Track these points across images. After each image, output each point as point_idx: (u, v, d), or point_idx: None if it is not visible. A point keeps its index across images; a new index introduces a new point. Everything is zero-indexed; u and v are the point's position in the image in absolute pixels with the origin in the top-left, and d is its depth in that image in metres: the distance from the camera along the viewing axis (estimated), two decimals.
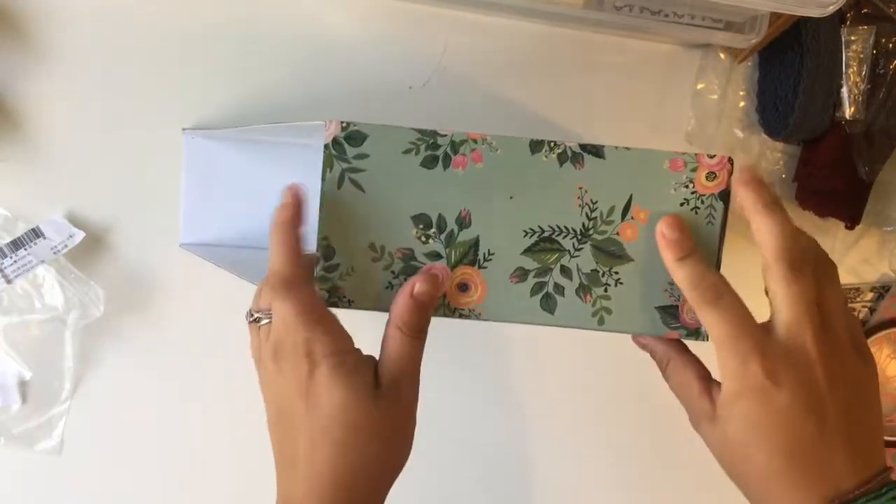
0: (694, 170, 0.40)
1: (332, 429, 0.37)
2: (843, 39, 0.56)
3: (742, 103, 0.61)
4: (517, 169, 0.39)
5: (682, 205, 0.40)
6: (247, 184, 0.54)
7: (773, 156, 0.62)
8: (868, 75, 0.56)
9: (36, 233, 0.53)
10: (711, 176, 0.40)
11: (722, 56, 0.59)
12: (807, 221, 0.62)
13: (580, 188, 0.40)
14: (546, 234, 0.40)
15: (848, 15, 0.56)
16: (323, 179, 0.39)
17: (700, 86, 0.59)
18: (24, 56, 0.52)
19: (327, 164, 0.39)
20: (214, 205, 0.54)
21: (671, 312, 0.41)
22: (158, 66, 0.54)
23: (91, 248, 0.55)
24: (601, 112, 0.59)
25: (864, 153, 0.58)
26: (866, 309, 0.65)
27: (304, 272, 0.40)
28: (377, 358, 0.40)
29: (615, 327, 0.41)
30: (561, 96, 0.59)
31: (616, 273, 0.40)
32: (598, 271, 0.40)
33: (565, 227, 0.40)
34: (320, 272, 0.40)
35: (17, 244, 0.52)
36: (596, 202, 0.40)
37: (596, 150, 0.40)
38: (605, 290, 0.41)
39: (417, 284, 0.39)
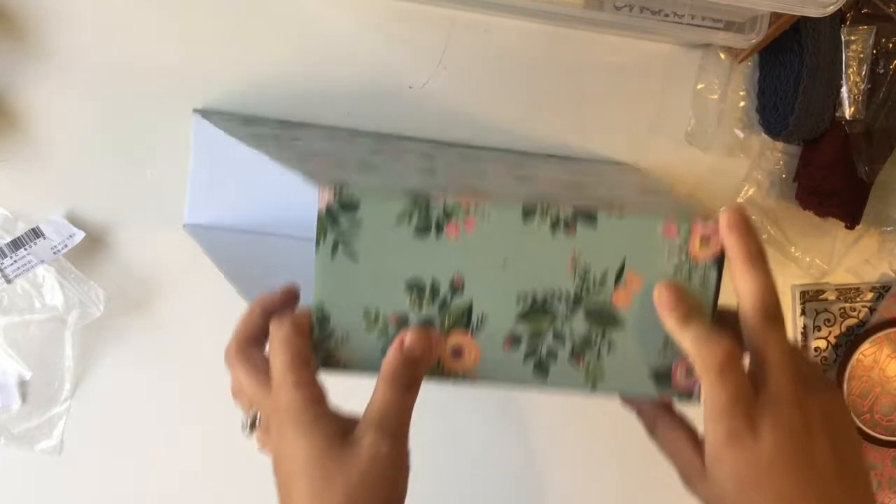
0: (688, 236, 0.40)
1: (297, 482, 0.37)
2: (843, 39, 0.56)
3: (742, 103, 0.61)
4: (510, 236, 0.39)
5: (675, 271, 0.40)
6: (253, 169, 0.53)
7: (773, 156, 0.62)
8: (868, 75, 0.56)
9: (36, 233, 0.53)
10: (705, 241, 0.40)
11: (722, 56, 0.59)
12: (807, 221, 0.62)
13: (573, 254, 0.40)
14: (539, 300, 0.40)
15: (848, 15, 0.56)
16: (317, 248, 0.39)
17: (700, 86, 0.59)
18: (24, 56, 0.52)
19: (321, 233, 0.39)
20: (220, 187, 0.54)
21: (664, 376, 0.41)
22: (158, 66, 0.54)
23: (91, 248, 0.55)
24: (601, 112, 0.59)
25: (864, 153, 0.58)
26: (866, 309, 0.65)
27: (255, 347, 0.41)
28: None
29: (608, 390, 0.41)
30: (561, 96, 0.59)
31: (609, 338, 0.41)
32: (590, 336, 0.40)
33: (558, 293, 0.40)
34: (316, 338, 0.40)
35: (17, 244, 0.52)
36: (589, 268, 0.40)
37: (589, 217, 0.39)
38: (598, 355, 0.41)
39: (407, 337, 0.39)
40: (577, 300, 0.40)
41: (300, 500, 0.37)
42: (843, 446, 0.38)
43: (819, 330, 0.65)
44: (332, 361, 0.40)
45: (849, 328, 0.66)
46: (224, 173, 0.54)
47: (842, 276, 0.65)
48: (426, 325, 0.40)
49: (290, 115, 0.55)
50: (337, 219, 0.39)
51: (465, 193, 0.40)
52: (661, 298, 0.39)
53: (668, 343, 0.40)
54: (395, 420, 0.38)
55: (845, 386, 0.64)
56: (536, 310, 0.40)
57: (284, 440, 0.38)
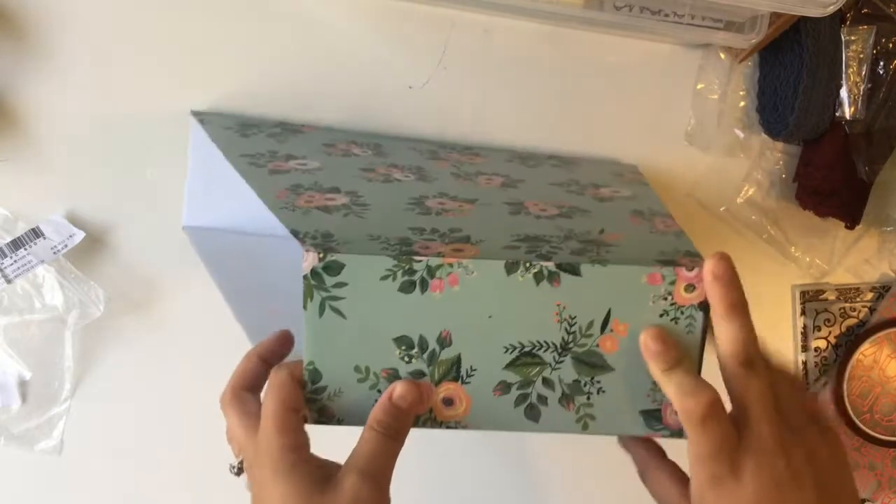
0: (672, 283, 0.40)
1: None
2: (843, 39, 0.56)
3: (742, 103, 0.61)
4: (494, 290, 0.40)
5: (661, 315, 0.40)
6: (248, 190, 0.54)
7: (773, 156, 0.62)
8: (868, 75, 0.56)
9: (36, 233, 0.53)
10: (690, 288, 0.40)
11: (722, 56, 0.59)
12: (807, 221, 0.62)
13: (558, 305, 0.40)
14: (527, 350, 0.40)
15: (848, 15, 0.56)
16: (305, 308, 0.39)
17: (700, 86, 0.59)
18: (24, 56, 0.52)
19: (307, 295, 0.39)
20: (219, 189, 0.54)
21: (654, 416, 0.42)
22: (159, 66, 0.54)
23: (91, 248, 0.55)
24: (601, 112, 0.59)
25: (864, 153, 0.58)
26: (866, 309, 0.65)
27: (247, 394, 0.42)
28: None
29: (599, 431, 0.42)
30: (561, 96, 0.59)
31: (598, 382, 0.41)
32: (579, 381, 0.41)
33: (545, 342, 0.40)
34: (309, 394, 0.40)
35: (17, 244, 0.52)
36: (575, 318, 0.40)
37: (572, 268, 0.40)
38: (588, 399, 0.41)
39: (398, 388, 0.40)
40: (565, 348, 0.41)
41: None
42: (831, 485, 0.38)
43: (819, 330, 0.65)
44: (327, 414, 0.41)
45: (849, 328, 0.66)
46: (221, 177, 0.54)
47: (842, 276, 0.65)
48: (417, 377, 0.40)
49: (290, 116, 0.55)
50: (322, 281, 0.39)
51: (450, 245, 0.41)
52: (647, 347, 0.40)
53: (657, 385, 0.40)
54: (378, 465, 0.39)
55: (845, 386, 0.64)
56: (525, 359, 0.41)
57: (263, 484, 0.38)
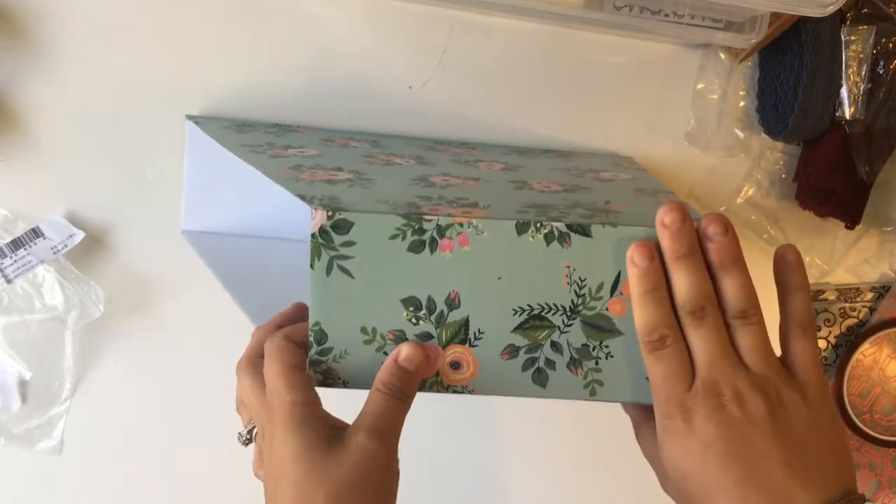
0: None
1: (283, 480, 0.37)
2: (843, 39, 0.56)
3: (742, 103, 0.61)
4: (504, 250, 0.39)
5: None
6: (249, 172, 0.54)
7: (773, 156, 0.62)
8: (868, 75, 0.56)
9: (36, 233, 0.53)
10: None
11: (722, 56, 0.59)
12: (807, 221, 0.62)
13: (568, 266, 0.40)
14: (535, 312, 0.40)
15: (848, 15, 0.56)
16: (312, 267, 0.39)
17: (700, 86, 0.59)
18: (24, 56, 0.52)
19: (315, 253, 0.39)
20: (217, 192, 0.54)
21: None
22: (159, 65, 0.54)
23: (91, 248, 0.55)
24: (601, 112, 0.59)
25: (864, 153, 0.58)
26: (866, 309, 0.66)
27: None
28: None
29: (607, 397, 0.41)
30: (561, 96, 0.59)
31: (606, 347, 0.41)
32: (588, 345, 0.41)
33: (554, 305, 0.40)
34: (314, 356, 0.40)
35: (17, 244, 0.52)
36: (584, 279, 0.40)
37: (583, 229, 0.39)
38: (596, 364, 0.41)
39: (403, 350, 0.39)
40: (574, 311, 0.40)
41: (286, 497, 0.37)
42: (804, 442, 0.38)
43: (819, 330, 0.65)
44: (332, 377, 0.40)
45: (849, 328, 0.66)
46: (219, 179, 0.54)
47: (842, 276, 0.65)
48: (424, 340, 0.40)
49: (288, 118, 0.55)
50: (330, 239, 0.39)
51: (459, 208, 0.40)
52: (631, 261, 0.39)
53: None
54: (385, 425, 0.39)
55: (845, 386, 0.64)
56: (533, 322, 0.40)
57: (275, 442, 0.38)
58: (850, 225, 0.61)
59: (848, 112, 0.57)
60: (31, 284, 0.54)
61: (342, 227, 0.39)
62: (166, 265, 0.56)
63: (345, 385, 0.40)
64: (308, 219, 0.38)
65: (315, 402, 0.39)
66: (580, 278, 0.40)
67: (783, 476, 0.37)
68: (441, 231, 0.39)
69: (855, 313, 0.66)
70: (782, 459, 0.37)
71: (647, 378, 0.40)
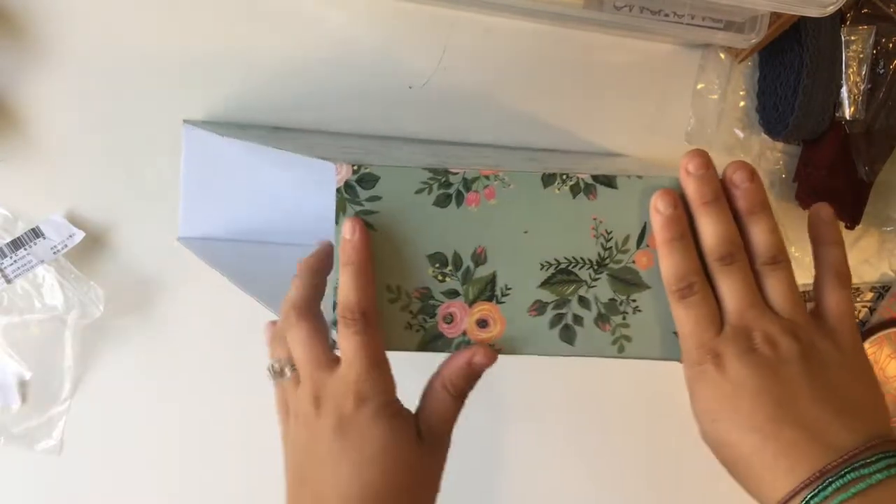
0: None
1: (367, 468, 0.37)
2: (843, 39, 0.56)
3: (742, 103, 0.61)
4: (530, 203, 0.39)
5: None
6: (248, 177, 0.54)
7: (773, 156, 0.62)
8: (868, 75, 0.56)
9: (36, 233, 0.53)
10: None
11: (722, 56, 0.59)
12: (807, 221, 0.62)
13: (594, 219, 0.40)
14: (562, 267, 0.40)
15: (848, 15, 0.56)
16: (336, 223, 0.38)
17: (700, 86, 0.59)
18: (24, 56, 0.52)
19: (340, 208, 0.38)
20: (214, 198, 0.54)
21: None
22: (159, 65, 0.54)
23: (91, 248, 0.55)
24: (601, 112, 0.59)
25: (864, 153, 0.58)
26: (866, 309, 0.65)
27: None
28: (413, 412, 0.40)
29: (635, 354, 0.41)
30: (561, 96, 0.59)
31: (634, 301, 0.40)
32: (615, 300, 0.40)
33: (581, 259, 0.40)
34: (337, 315, 0.39)
35: (17, 244, 0.52)
36: (611, 232, 0.40)
37: (608, 181, 0.39)
38: (624, 319, 0.40)
39: (479, 355, 0.39)
40: (601, 265, 0.40)
41: (368, 486, 0.37)
42: (835, 387, 0.37)
43: None
44: None
45: None
46: (218, 182, 0.54)
47: None
48: (450, 297, 0.40)
49: (287, 119, 0.55)
50: (356, 194, 0.38)
51: (483, 167, 0.40)
52: (655, 209, 0.39)
53: None
54: (451, 431, 0.40)
55: None
56: (560, 276, 0.40)
57: (361, 417, 0.37)
58: (850, 225, 0.61)
59: (848, 112, 0.57)
60: (31, 284, 0.54)
61: (368, 180, 0.38)
62: (166, 265, 0.56)
63: None
64: (316, 206, 0.38)
65: (395, 394, 0.39)
66: (606, 231, 0.40)
67: (818, 412, 0.36)
68: (467, 184, 0.39)
69: (855, 313, 0.66)
70: (818, 397, 0.36)
71: (675, 333, 0.40)
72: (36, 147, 0.53)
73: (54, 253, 0.52)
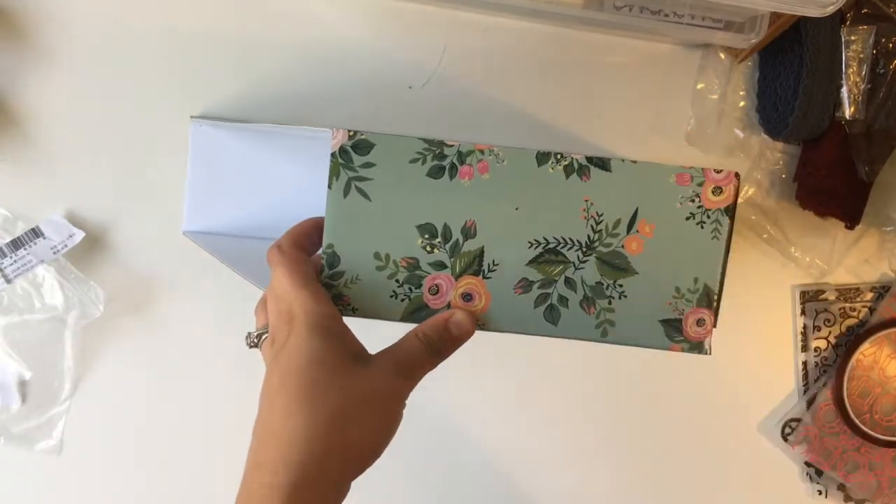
0: (700, 184, 0.40)
1: (295, 377, 0.36)
2: (843, 39, 0.56)
3: (742, 103, 0.61)
4: (523, 180, 0.40)
5: (687, 219, 0.40)
6: (253, 172, 0.54)
7: (773, 156, 0.62)
8: (868, 75, 0.56)
9: (36, 233, 0.53)
10: (718, 191, 0.40)
11: (722, 56, 0.59)
12: (807, 221, 0.62)
13: (586, 200, 0.40)
14: (551, 246, 0.40)
15: (848, 15, 0.56)
16: (329, 188, 0.39)
17: (700, 86, 0.59)
18: (24, 56, 0.52)
19: (333, 173, 0.39)
20: (219, 193, 0.54)
21: (675, 326, 0.41)
22: (159, 65, 0.54)
23: (91, 248, 0.55)
24: (601, 112, 0.59)
25: (864, 153, 0.58)
26: (866, 309, 0.65)
27: (303, 253, 0.40)
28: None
29: (618, 340, 0.41)
30: (561, 96, 0.59)
31: (620, 286, 0.40)
32: (602, 284, 0.40)
33: (570, 239, 0.40)
34: (325, 280, 0.40)
35: (17, 244, 0.52)
36: (602, 215, 0.40)
37: (602, 163, 0.40)
38: (609, 303, 0.41)
39: (457, 315, 0.40)
40: (590, 247, 0.40)
41: (294, 393, 0.36)
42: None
43: (819, 330, 0.65)
44: (342, 302, 0.40)
45: (849, 328, 0.66)
46: (224, 176, 0.54)
47: (842, 276, 0.65)
48: (437, 269, 0.40)
49: (289, 118, 0.55)
50: (350, 160, 0.39)
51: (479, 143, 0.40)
52: None
53: (679, 292, 0.40)
54: (414, 369, 0.39)
55: (845, 386, 0.64)
56: (548, 256, 0.40)
57: (295, 338, 0.37)
58: (850, 225, 0.61)
59: (848, 112, 0.57)
60: (31, 284, 0.54)
61: (363, 147, 0.39)
62: (166, 265, 0.56)
63: (353, 312, 0.40)
64: (322, 195, 0.38)
65: (340, 318, 0.39)
66: (597, 213, 0.40)
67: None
68: (462, 157, 0.39)
69: (855, 313, 0.65)
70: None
71: (661, 321, 0.40)
72: (36, 147, 0.53)
73: (54, 253, 0.52)
